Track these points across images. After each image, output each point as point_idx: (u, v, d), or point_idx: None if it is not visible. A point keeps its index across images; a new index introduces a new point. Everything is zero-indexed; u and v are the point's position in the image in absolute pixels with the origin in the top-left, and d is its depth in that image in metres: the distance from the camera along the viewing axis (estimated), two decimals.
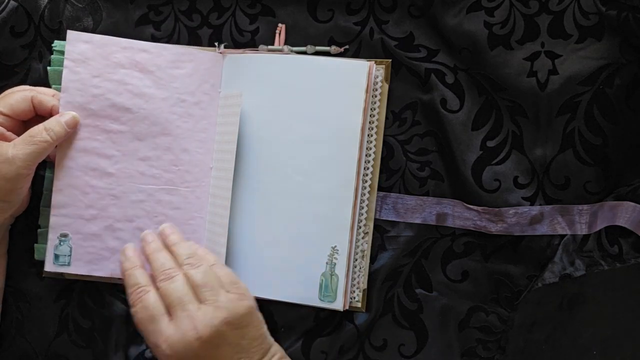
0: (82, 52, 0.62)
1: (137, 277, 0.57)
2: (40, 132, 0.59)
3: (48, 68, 0.64)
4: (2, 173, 0.58)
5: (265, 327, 0.57)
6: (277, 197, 0.63)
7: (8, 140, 0.60)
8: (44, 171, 0.65)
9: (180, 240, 0.60)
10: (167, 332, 0.53)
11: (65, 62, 0.62)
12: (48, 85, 0.64)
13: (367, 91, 0.62)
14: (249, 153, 0.64)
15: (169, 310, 0.55)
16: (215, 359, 0.54)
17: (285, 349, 0.65)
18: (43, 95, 0.61)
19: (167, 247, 0.60)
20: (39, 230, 0.65)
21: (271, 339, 0.58)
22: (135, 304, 0.56)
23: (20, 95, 0.60)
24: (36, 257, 0.65)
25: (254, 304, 0.57)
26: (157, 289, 0.56)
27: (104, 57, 0.63)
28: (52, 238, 0.63)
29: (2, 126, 0.59)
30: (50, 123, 0.60)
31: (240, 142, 0.64)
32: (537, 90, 0.63)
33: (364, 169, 0.64)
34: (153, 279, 0.57)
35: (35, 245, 0.65)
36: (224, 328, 0.54)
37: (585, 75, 0.63)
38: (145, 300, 0.55)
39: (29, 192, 0.64)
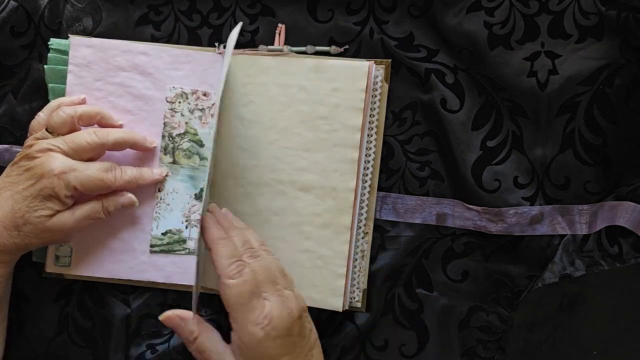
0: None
1: (233, 248, 0.55)
2: (98, 212, 0.60)
3: (45, 66, 0.64)
4: (56, 239, 0.60)
5: None
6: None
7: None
8: None
9: (247, 227, 0.59)
10: (268, 307, 0.53)
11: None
12: (46, 85, 0.64)
13: (366, 91, 0.62)
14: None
15: (259, 288, 0.54)
16: (294, 345, 0.54)
17: None
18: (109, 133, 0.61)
19: (229, 228, 0.58)
20: None
21: None
22: (235, 277, 0.53)
23: (92, 172, 0.58)
24: (34, 258, 0.65)
25: None
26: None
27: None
28: None
29: (72, 198, 0.59)
30: (108, 202, 0.61)
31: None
32: (537, 90, 0.63)
33: (364, 169, 0.64)
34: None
35: None
36: (304, 315, 0.55)
37: (585, 75, 0.63)
38: (246, 275, 0.53)
39: None
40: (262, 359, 0.52)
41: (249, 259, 0.55)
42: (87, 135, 0.59)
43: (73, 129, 0.60)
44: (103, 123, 0.62)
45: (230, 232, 0.56)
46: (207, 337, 0.56)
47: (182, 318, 0.57)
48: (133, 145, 0.62)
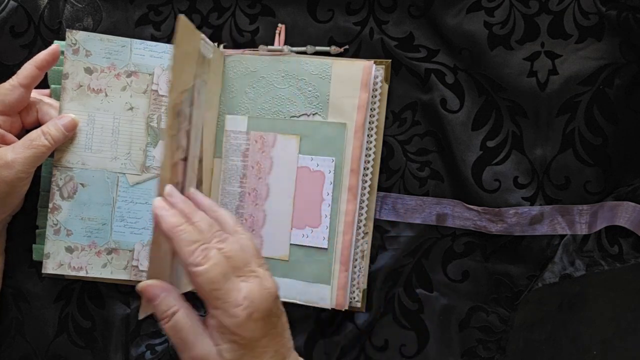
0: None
1: (194, 234, 0.50)
2: (38, 137, 0.59)
3: None
4: (1, 177, 0.58)
5: None
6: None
7: (7, 142, 0.60)
8: (40, 171, 0.64)
9: (219, 207, 0.54)
10: (247, 288, 0.49)
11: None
12: (47, 86, 0.64)
13: (363, 89, 0.62)
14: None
15: (232, 270, 0.50)
16: (273, 326, 0.51)
17: None
18: (24, 72, 0.60)
19: (207, 208, 0.54)
20: (37, 230, 0.65)
21: None
22: (203, 263, 0.48)
23: (6, 86, 0.59)
24: (34, 257, 0.65)
25: None
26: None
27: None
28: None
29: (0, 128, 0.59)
30: (48, 127, 0.60)
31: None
32: (537, 90, 0.63)
33: (364, 169, 0.64)
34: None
35: (34, 245, 0.65)
36: (277, 294, 0.52)
37: (585, 75, 0.63)
38: (215, 258, 0.49)
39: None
40: (244, 341, 0.49)
41: (217, 243, 0.50)
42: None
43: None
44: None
45: (193, 217, 0.51)
46: (187, 314, 0.50)
47: (164, 289, 0.51)
48: (36, 64, 0.60)
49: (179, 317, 0.50)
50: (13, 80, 0.60)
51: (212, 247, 0.49)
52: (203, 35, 0.59)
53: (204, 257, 0.49)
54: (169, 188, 0.52)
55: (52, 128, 0.60)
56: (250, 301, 0.49)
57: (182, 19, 0.51)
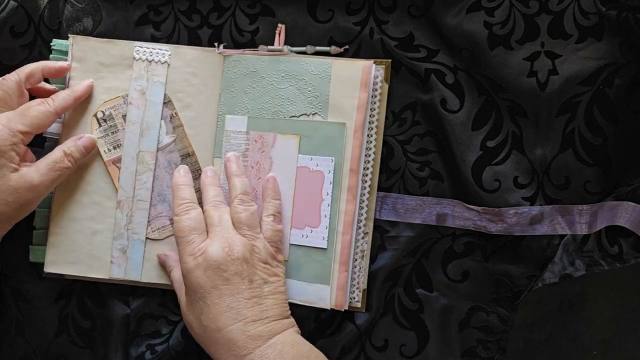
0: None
1: (188, 193, 0.61)
2: (62, 159, 0.60)
3: None
4: (26, 199, 0.59)
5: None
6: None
7: (28, 159, 0.61)
8: None
9: (242, 174, 0.63)
10: (206, 242, 0.58)
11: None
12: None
13: (363, 89, 0.62)
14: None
15: (209, 229, 0.59)
16: (228, 281, 0.56)
17: None
18: (63, 103, 0.61)
19: (228, 175, 0.62)
20: (34, 231, 0.64)
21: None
22: (181, 214, 0.59)
23: (41, 110, 0.60)
24: (31, 259, 0.65)
25: (284, 268, 0.61)
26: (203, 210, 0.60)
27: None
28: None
29: (22, 143, 0.59)
30: (69, 147, 0.61)
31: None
32: (537, 90, 0.63)
33: (364, 169, 0.64)
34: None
35: (31, 246, 0.64)
36: (254, 258, 0.58)
37: (585, 75, 0.63)
38: (192, 212, 0.59)
39: None
40: (193, 287, 0.57)
41: (208, 205, 0.60)
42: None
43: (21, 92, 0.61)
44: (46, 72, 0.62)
45: (206, 187, 0.62)
46: (177, 270, 0.61)
47: (166, 255, 0.64)
48: (75, 97, 0.62)
49: (173, 273, 0.62)
50: (50, 107, 0.60)
51: (195, 207, 0.60)
52: (140, 43, 0.64)
53: (183, 211, 0.59)
54: (207, 167, 0.64)
55: (74, 149, 0.61)
56: (202, 252, 0.57)
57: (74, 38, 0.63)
